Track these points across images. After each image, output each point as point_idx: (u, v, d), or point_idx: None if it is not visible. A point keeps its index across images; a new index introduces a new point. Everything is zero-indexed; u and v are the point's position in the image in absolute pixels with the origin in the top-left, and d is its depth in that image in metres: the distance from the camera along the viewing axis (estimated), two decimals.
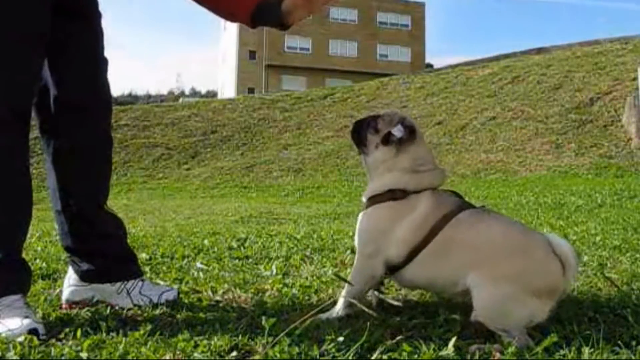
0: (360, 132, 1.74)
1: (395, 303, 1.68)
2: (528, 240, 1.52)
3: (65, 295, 1.86)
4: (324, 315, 1.62)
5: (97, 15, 1.86)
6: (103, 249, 1.86)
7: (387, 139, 1.66)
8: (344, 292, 1.67)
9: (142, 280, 1.89)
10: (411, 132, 1.66)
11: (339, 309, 1.66)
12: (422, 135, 1.74)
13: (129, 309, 1.76)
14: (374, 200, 1.67)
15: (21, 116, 1.62)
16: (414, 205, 1.60)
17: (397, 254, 1.59)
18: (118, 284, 1.85)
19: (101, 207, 1.89)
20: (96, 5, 1.85)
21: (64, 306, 1.82)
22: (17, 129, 1.61)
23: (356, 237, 1.72)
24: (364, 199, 1.73)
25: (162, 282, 2.13)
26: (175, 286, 2.07)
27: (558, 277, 1.45)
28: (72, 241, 1.85)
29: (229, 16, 1.93)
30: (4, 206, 1.60)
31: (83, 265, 1.85)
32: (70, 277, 1.87)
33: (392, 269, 1.63)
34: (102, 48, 1.87)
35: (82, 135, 1.81)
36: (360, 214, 1.72)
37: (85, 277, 1.85)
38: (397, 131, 1.65)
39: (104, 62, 1.88)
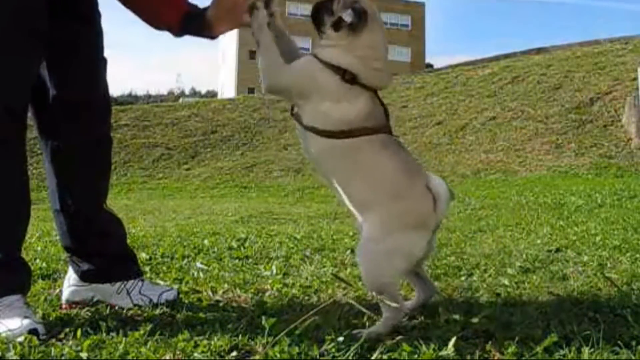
0: (319, 14, 1.61)
1: (393, 304, 1.68)
2: (411, 181, 1.57)
3: (65, 296, 1.86)
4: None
5: (98, 15, 1.86)
6: (103, 248, 1.86)
7: (338, 24, 1.55)
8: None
9: (142, 281, 1.89)
10: (362, 17, 1.52)
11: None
12: (380, 22, 1.61)
13: (129, 309, 1.76)
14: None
15: (16, 115, 1.61)
16: (356, 96, 1.54)
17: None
18: (118, 284, 1.84)
19: (101, 207, 1.89)
20: (96, 4, 1.85)
21: (64, 306, 1.82)
22: (13, 127, 1.61)
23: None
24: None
25: (162, 282, 2.13)
26: (175, 286, 2.07)
27: (430, 211, 1.54)
28: (72, 241, 1.85)
29: (153, 16, 1.78)
30: (1, 206, 1.60)
31: (83, 265, 1.85)
32: (70, 277, 1.87)
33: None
34: (102, 48, 1.87)
35: (81, 135, 1.81)
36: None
37: (85, 277, 1.84)
38: (347, 15, 1.52)
39: (104, 62, 1.87)
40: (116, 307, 1.79)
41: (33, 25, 1.61)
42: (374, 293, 1.49)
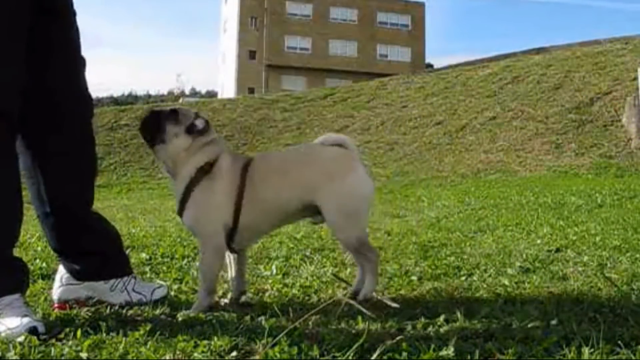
0: (158, 125, 1.88)
1: (393, 305, 1.69)
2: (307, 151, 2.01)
3: (57, 295, 1.85)
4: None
5: (73, 13, 1.86)
6: (95, 247, 1.87)
7: (190, 129, 1.86)
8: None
9: (134, 278, 1.90)
10: (207, 124, 1.92)
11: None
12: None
13: (129, 309, 1.76)
14: (191, 183, 1.83)
15: (7, 115, 1.61)
16: (220, 172, 1.84)
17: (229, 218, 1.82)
18: (112, 281, 1.85)
19: (89, 205, 1.89)
20: (71, 3, 1.85)
21: (56, 306, 1.81)
22: (3, 127, 1.61)
23: (194, 225, 1.86)
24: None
25: (163, 282, 2.13)
26: (175, 286, 2.08)
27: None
28: (63, 242, 1.85)
29: None
30: None
31: (76, 265, 1.85)
32: (63, 277, 1.87)
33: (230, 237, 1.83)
34: (79, 46, 1.87)
35: (64, 135, 1.80)
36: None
37: (79, 275, 1.85)
38: (200, 123, 1.89)
39: (83, 60, 1.88)
40: (115, 306, 1.79)
41: (20, 23, 1.62)
42: None
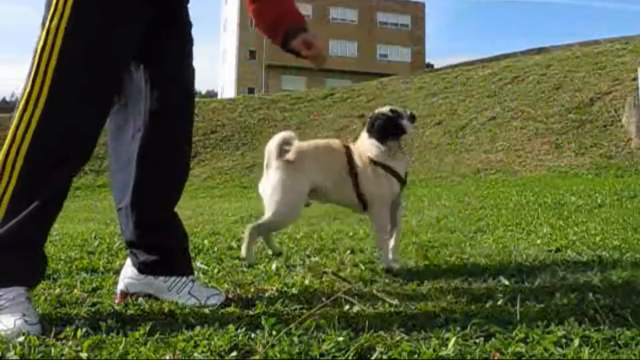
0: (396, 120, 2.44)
1: (394, 302, 1.69)
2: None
3: (121, 286, 1.91)
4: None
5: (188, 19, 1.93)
6: (165, 242, 1.89)
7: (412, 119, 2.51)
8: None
9: (193, 281, 1.90)
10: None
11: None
12: None
13: (129, 309, 1.76)
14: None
15: (73, 159, 1.66)
16: None
17: None
18: (171, 279, 1.87)
19: (174, 206, 1.94)
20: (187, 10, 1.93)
21: (118, 297, 1.87)
22: (65, 173, 1.65)
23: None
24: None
25: (219, 289, 2.12)
26: None
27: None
28: (137, 234, 1.86)
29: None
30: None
31: (142, 257, 1.88)
32: (128, 270, 1.91)
33: None
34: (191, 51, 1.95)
35: (171, 133, 1.86)
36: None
37: (142, 268, 1.88)
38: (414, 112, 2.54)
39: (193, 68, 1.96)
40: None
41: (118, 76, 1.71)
42: None
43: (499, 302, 1.80)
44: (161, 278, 1.87)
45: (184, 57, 1.89)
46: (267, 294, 1.98)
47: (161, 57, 1.82)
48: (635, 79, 11.49)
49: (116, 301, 1.86)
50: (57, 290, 1.98)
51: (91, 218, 6.55)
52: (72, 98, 1.60)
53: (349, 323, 1.56)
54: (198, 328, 1.52)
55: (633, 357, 1.30)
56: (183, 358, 1.31)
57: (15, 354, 1.32)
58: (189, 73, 1.92)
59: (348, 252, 2.88)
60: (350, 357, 1.29)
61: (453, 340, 1.35)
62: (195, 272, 2.35)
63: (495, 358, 1.30)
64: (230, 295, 1.94)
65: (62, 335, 1.47)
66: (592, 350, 1.32)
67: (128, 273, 1.91)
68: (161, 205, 1.89)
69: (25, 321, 1.48)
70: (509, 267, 2.41)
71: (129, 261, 1.93)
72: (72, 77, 1.59)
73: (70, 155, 1.63)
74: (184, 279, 1.88)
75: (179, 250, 1.93)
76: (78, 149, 1.65)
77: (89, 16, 1.60)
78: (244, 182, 12.88)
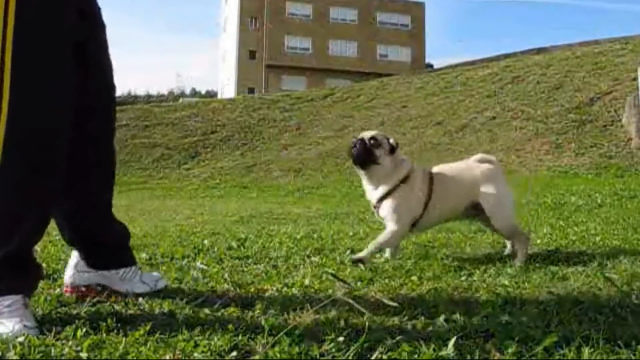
0: (368, 150, 2.60)
1: (393, 304, 1.69)
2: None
3: (70, 280, 1.94)
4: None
5: (100, 12, 1.90)
6: (111, 241, 1.98)
7: (392, 150, 2.65)
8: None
9: (139, 269, 2.04)
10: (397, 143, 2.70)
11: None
12: None
13: (129, 309, 1.76)
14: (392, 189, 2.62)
15: (46, 168, 1.64)
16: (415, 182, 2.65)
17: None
18: (122, 270, 1.97)
19: (111, 203, 1.99)
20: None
21: (68, 290, 1.92)
22: (43, 184, 1.64)
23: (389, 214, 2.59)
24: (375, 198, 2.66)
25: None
26: (175, 286, 2.08)
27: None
28: (82, 237, 1.93)
29: None
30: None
31: (90, 255, 1.95)
32: (78, 264, 1.96)
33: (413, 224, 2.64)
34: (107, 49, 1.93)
35: (100, 132, 1.89)
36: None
37: (94, 264, 1.95)
38: (394, 142, 2.67)
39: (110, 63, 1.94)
40: (122, 295, 1.89)
41: (68, 66, 1.67)
42: None
43: (499, 302, 1.80)
44: (113, 271, 1.97)
45: (103, 49, 1.88)
46: (267, 294, 1.98)
47: (85, 54, 1.78)
48: (635, 79, 11.48)
49: (66, 293, 1.92)
50: (57, 290, 1.98)
51: None
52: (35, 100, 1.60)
53: (349, 323, 1.56)
54: (198, 328, 1.52)
55: (633, 357, 1.30)
56: (183, 358, 1.31)
57: (15, 354, 1.32)
58: (109, 66, 1.91)
59: (348, 252, 2.87)
60: (350, 357, 1.29)
61: (453, 340, 1.35)
62: (195, 272, 2.36)
63: (495, 358, 1.30)
64: (230, 295, 1.94)
65: (62, 335, 1.47)
66: (592, 350, 1.32)
67: (79, 267, 1.95)
68: (100, 204, 1.94)
69: (25, 325, 1.48)
70: (509, 267, 2.41)
71: (76, 254, 1.97)
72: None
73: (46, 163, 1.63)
74: (133, 268, 2.00)
75: (124, 244, 2.03)
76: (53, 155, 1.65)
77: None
78: (244, 182, 12.88)
